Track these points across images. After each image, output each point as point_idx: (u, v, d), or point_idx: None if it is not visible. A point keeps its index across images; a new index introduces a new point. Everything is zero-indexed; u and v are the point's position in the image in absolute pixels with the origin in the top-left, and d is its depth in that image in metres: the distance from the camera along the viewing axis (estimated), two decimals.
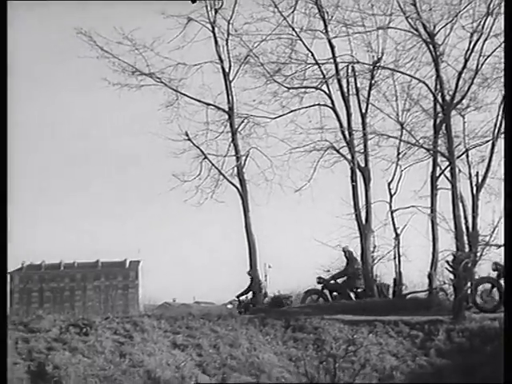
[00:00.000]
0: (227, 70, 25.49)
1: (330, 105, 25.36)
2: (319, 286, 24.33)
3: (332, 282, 24.11)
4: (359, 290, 24.02)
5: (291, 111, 25.39)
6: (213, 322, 19.18)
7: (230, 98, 25.52)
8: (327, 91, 25.32)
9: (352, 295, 24.03)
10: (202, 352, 17.45)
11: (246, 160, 25.47)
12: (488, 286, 21.74)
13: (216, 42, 25.20)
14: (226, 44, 25.27)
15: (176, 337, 17.92)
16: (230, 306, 29.43)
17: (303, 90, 25.48)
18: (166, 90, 25.52)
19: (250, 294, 24.38)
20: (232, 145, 25.55)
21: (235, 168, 25.42)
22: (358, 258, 24.28)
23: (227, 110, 25.55)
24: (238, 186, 25.29)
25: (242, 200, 25.15)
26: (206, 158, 25.53)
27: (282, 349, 18.25)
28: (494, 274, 21.62)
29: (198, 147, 25.47)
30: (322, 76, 25.16)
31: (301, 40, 24.85)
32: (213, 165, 25.56)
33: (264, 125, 25.58)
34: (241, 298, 24.61)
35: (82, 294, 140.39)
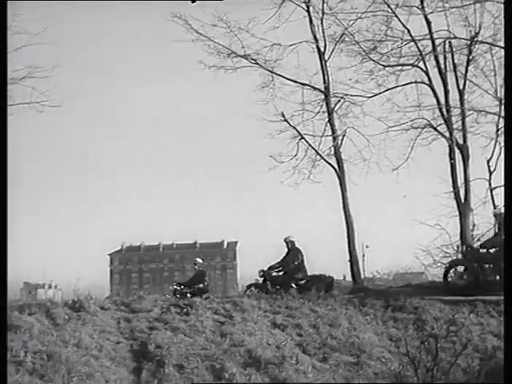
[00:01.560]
0: (322, 50, 25.39)
1: (427, 82, 25.00)
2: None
3: (274, 274, 22.56)
4: (301, 283, 22.19)
5: (387, 89, 25.17)
6: (312, 301, 19.19)
7: (326, 77, 25.44)
8: (424, 68, 24.96)
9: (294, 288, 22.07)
10: (302, 332, 17.47)
11: (342, 140, 25.39)
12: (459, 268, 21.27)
13: (311, 21, 25.11)
14: (321, 23, 25.16)
15: (276, 316, 18.00)
16: None
17: (399, 67, 25.19)
18: (262, 71, 25.62)
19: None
20: (328, 124, 25.49)
21: (332, 148, 25.37)
22: (302, 249, 22.82)
23: (323, 89, 25.48)
24: (335, 165, 25.23)
25: (340, 180, 25.09)
26: (302, 138, 25.55)
27: (382, 329, 18.13)
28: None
29: (294, 128, 25.52)
30: (418, 53, 24.80)
31: (396, 16, 24.52)
32: (309, 145, 25.58)
33: (360, 104, 25.43)
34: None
35: (181, 274, 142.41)
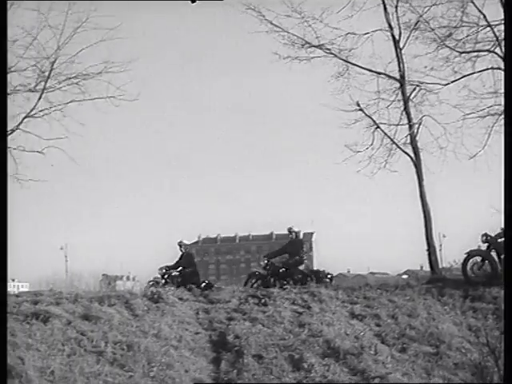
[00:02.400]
0: (397, 38, 25.07)
1: (504, 68, 24.54)
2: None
3: (276, 265, 22.06)
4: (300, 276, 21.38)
5: (463, 76, 24.70)
6: (390, 292, 19.07)
7: (401, 65, 25.13)
8: (500, 54, 24.49)
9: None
10: (381, 322, 17.39)
11: (418, 128, 25.05)
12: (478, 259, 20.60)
13: (385, 9, 24.80)
14: (396, 11, 24.83)
15: (354, 307, 17.93)
16: (405, 277, 29.21)
17: (475, 53, 24.73)
18: (336, 60, 25.41)
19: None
20: (404, 113, 25.18)
21: (408, 136, 25.05)
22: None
23: (398, 78, 25.18)
24: (412, 154, 24.92)
25: (416, 169, 24.78)
26: (378, 127, 25.30)
27: (461, 319, 17.93)
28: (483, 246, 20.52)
29: (369, 117, 25.28)
30: (494, 38, 24.32)
31: (472, 2, 24.05)
32: (385, 134, 25.30)
33: (436, 91, 25.02)
34: None
35: (258, 265, 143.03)
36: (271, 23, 24.99)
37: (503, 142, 17.10)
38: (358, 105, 25.17)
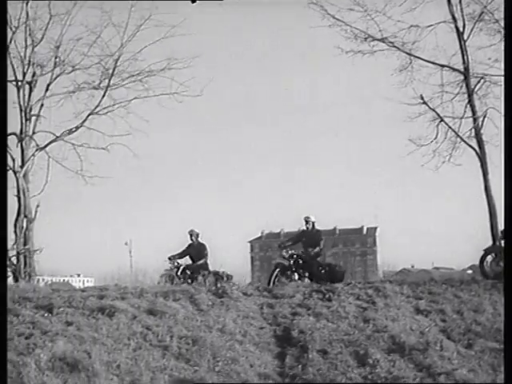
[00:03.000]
0: (461, 29, 24.84)
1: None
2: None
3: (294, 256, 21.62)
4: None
5: None
6: (455, 287, 18.87)
7: (465, 57, 24.88)
8: None
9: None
10: (446, 317, 17.22)
11: (483, 121, 24.78)
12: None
13: (449, 0, 24.60)
14: (459, 2, 24.61)
15: (419, 302, 17.79)
16: (470, 272, 28.88)
17: None
18: (400, 53, 25.32)
19: None
20: (468, 106, 24.96)
21: (473, 129, 24.81)
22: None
23: (462, 70, 24.95)
24: (476, 148, 24.67)
25: (481, 162, 24.51)
26: (442, 120, 25.11)
27: None
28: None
29: (433, 110, 25.10)
30: None
31: None
32: (449, 127, 25.10)
33: (501, 84, 24.71)
34: None
35: (321, 259, 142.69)
36: (333, 17, 24.97)
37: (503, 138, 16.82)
38: (422, 98, 25.02)
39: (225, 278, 21.72)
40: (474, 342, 16.14)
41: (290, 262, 21.26)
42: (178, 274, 21.90)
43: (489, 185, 24.20)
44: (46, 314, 16.43)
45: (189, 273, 22.00)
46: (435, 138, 25.10)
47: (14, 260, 24.33)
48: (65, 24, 25.46)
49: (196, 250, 22.51)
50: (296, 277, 20.88)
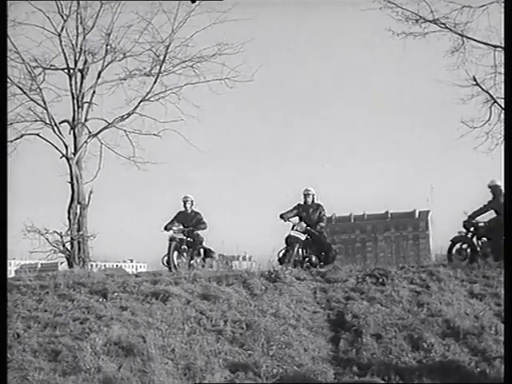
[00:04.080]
0: None
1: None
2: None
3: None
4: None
5: None
6: None
7: None
8: None
9: None
10: (501, 301, 17.00)
11: None
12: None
13: None
14: None
15: (473, 286, 17.58)
16: None
17: None
18: (452, 35, 25.08)
19: None
20: None
21: None
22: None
23: None
24: None
25: None
26: (495, 102, 24.83)
27: None
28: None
29: (486, 91, 24.86)
30: None
31: None
32: (503, 109, 24.76)
33: None
34: None
35: (373, 245, 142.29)
36: None
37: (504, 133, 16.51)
38: (475, 79, 24.76)
39: (215, 256, 21.21)
40: None
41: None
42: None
43: None
44: (100, 299, 16.62)
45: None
46: (488, 119, 24.87)
47: (68, 246, 24.62)
48: (115, 11, 25.66)
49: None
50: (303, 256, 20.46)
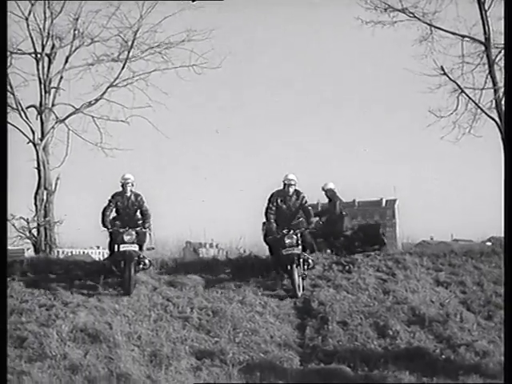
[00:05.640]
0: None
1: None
2: None
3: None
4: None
5: None
6: (475, 258, 18.80)
7: (486, 28, 24.63)
8: None
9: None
10: (466, 289, 17.19)
11: (504, 92, 24.60)
12: None
13: None
14: None
15: (439, 274, 17.74)
16: (489, 244, 28.70)
17: None
18: (420, 24, 25.08)
19: None
20: (489, 77, 24.75)
21: (493, 101, 24.63)
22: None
23: (483, 41, 24.71)
24: (497, 119, 24.50)
25: (501, 134, 24.34)
26: (462, 91, 24.92)
27: None
28: None
29: (454, 81, 24.91)
30: None
31: None
32: (470, 98, 24.92)
33: None
34: None
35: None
36: None
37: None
38: (443, 69, 24.82)
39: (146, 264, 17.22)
40: (494, 313, 16.12)
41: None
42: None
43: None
44: (66, 286, 16.56)
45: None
46: (455, 109, 24.94)
47: (34, 232, 24.43)
48: None
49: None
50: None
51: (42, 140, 24.88)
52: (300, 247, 16.84)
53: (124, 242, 16.73)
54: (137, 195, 17.69)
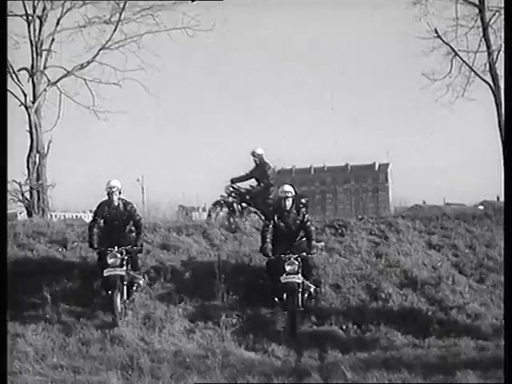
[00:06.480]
0: None
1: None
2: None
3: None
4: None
5: None
6: (468, 222, 18.84)
7: None
8: None
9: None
10: (458, 252, 17.25)
11: (498, 55, 24.53)
12: None
13: None
14: None
15: (431, 237, 17.77)
16: (481, 207, 28.77)
17: None
18: None
19: None
20: (483, 40, 24.69)
21: (487, 64, 24.57)
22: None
23: (477, 3, 24.62)
24: (490, 82, 24.46)
25: (495, 97, 24.32)
26: (456, 54, 24.87)
27: None
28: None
29: (447, 44, 24.86)
30: None
31: None
32: (463, 61, 24.88)
33: None
34: None
35: (333, 196, 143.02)
36: None
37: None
38: (436, 32, 24.73)
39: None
40: (486, 276, 16.21)
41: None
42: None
43: (502, 120, 23.99)
44: (60, 249, 16.56)
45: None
46: (449, 72, 24.90)
47: (27, 195, 24.41)
48: None
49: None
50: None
51: (33, 103, 24.78)
52: (301, 275, 14.62)
53: (108, 266, 14.47)
54: (126, 204, 15.22)
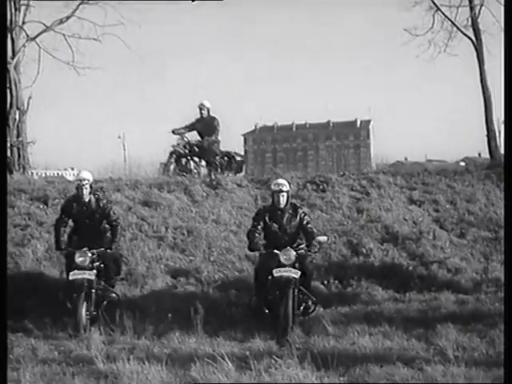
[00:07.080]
0: None
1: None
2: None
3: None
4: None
5: None
6: (449, 177, 18.91)
7: None
8: None
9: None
10: (439, 207, 17.34)
11: (480, 9, 24.36)
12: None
13: None
14: None
15: (412, 193, 17.85)
16: (463, 164, 28.87)
17: None
18: None
19: None
20: None
21: (469, 18, 24.42)
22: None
23: None
24: (473, 37, 24.33)
25: (477, 52, 24.20)
26: (438, 9, 24.68)
27: None
28: None
29: None
30: None
31: None
32: (446, 16, 24.67)
33: None
34: None
35: (315, 153, 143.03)
36: None
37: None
38: None
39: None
40: (467, 231, 16.34)
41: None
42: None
43: (485, 75, 23.90)
44: (41, 206, 16.50)
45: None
46: (431, 27, 24.68)
47: (7, 152, 24.23)
48: None
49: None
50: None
51: (13, 59, 24.47)
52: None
53: (75, 267, 12.40)
54: (98, 200, 13.18)
